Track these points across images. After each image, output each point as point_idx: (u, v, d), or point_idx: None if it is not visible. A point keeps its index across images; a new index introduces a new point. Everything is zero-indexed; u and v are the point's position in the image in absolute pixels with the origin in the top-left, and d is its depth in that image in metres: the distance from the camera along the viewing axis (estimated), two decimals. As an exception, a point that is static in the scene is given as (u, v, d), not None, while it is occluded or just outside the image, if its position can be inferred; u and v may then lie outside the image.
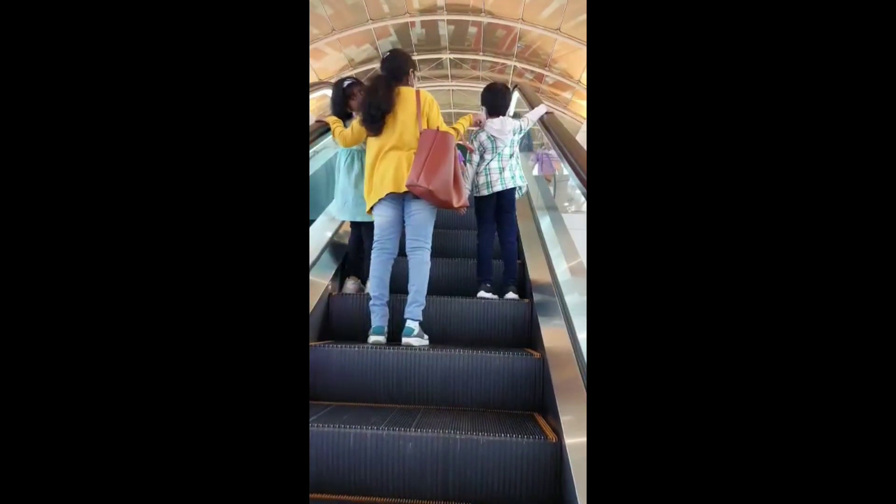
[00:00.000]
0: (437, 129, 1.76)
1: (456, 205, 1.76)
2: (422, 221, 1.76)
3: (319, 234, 2.19)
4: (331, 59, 8.29)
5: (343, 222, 2.32)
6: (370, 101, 1.77)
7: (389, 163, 1.76)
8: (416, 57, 8.79)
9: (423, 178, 1.67)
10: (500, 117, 2.15)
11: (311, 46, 7.45)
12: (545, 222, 2.33)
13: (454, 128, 1.89)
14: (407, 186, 1.70)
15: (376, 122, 1.76)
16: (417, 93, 1.79)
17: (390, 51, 1.93)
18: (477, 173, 2.12)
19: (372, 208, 1.81)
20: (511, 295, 1.98)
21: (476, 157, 2.12)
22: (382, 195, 1.76)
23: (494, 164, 2.09)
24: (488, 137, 2.10)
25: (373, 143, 1.80)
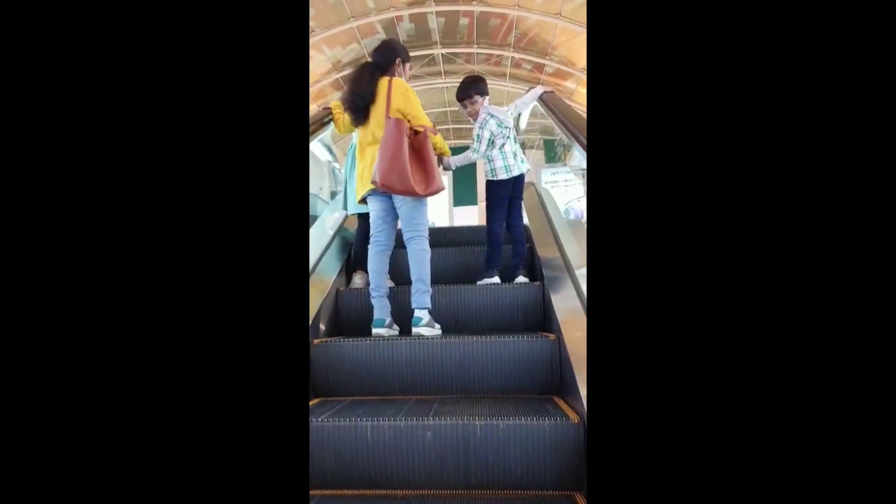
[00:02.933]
0: (388, 117, 1.69)
1: (422, 192, 1.69)
2: (410, 212, 1.74)
3: (325, 229, 2.18)
4: (315, 62, 8.22)
5: (348, 216, 2.32)
6: (354, 90, 1.76)
7: (366, 161, 1.77)
8: (407, 53, 8.75)
9: (377, 173, 1.66)
10: (494, 105, 2.18)
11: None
12: (550, 202, 2.32)
13: (421, 124, 1.74)
14: (372, 184, 1.70)
15: (359, 111, 1.75)
16: (389, 81, 1.75)
17: (382, 41, 1.91)
18: (492, 158, 2.12)
19: (364, 201, 1.82)
20: (521, 279, 1.96)
21: (482, 147, 2.11)
22: (364, 193, 1.78)
23: (508, 149, 2.11)
24: (498, 125, 2.11)
25: (358, 137, 1.81)
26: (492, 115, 2.10)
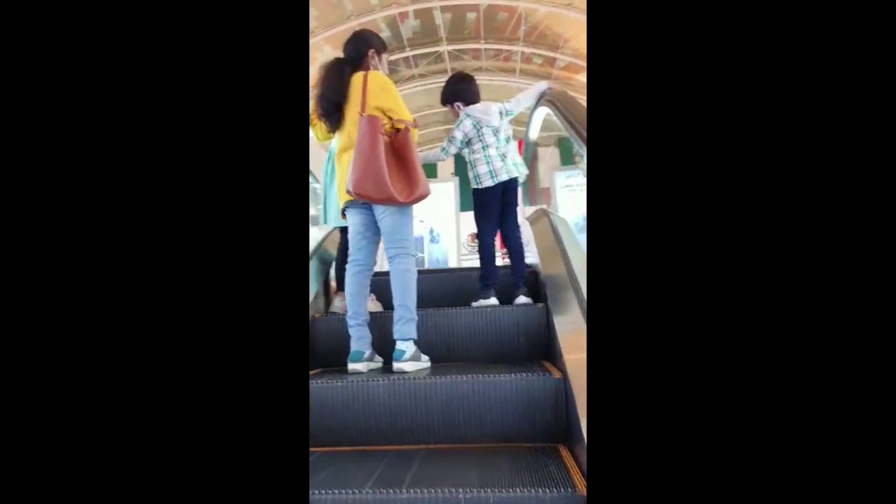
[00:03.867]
0: (361, 114, 1.48)
1: (403, 200, 1.47)
2: (393, 226, 1.52)
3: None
4: (317, 63, 8.04)
5: (330, 232, 2.13)
6: (322, 92, 1.56)
7: (343, 167, 1.56)
8: (411, 52, 8.54)
9: (350, 179, 1.45)
10: (481, 102, 1.97)
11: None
12: (567, 237, 2.09)
13: (401, 119, 1.54)
14: (347, 194, 1.49)
15: (331, 115, 1.55)
16: (364, 76, 1.54)
17: (352, 32, 1.71)
18: (475, 163, 1.91)
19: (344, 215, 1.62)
20: (523, 299, 1.74)
21: (451, 149, 1.93)
22: (342, 204, 1.57)
23: (493, 152, 1.89)
24: (474, 125, 1.90)
25: (336, 143, 1.61)
26: (468, 115, 1.90)
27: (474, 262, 1.98)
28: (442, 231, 4.74)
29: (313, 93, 1.61)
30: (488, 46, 8.79)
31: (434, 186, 1.72)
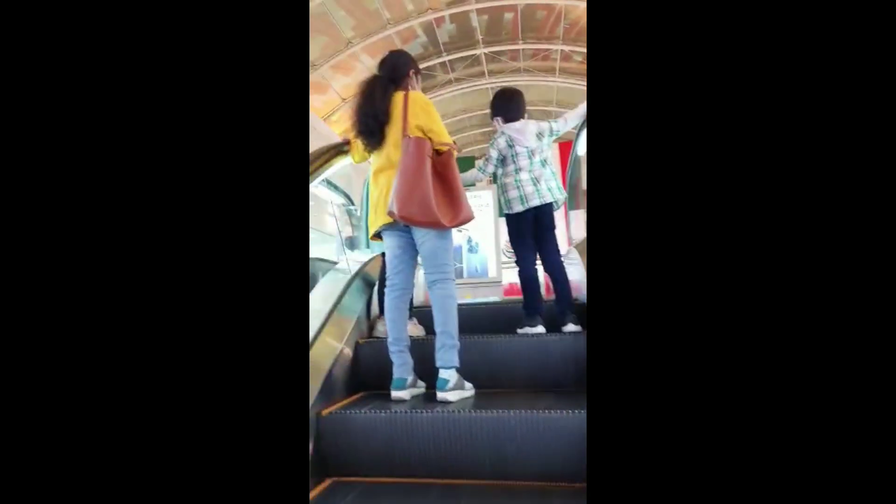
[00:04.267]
0: (406, 136, 1.46)
1: (448, 223, 1.44)
2: (433, 250, 1.49)
3: (343, 270, 2.01)
4: (356, 73, 8.06)
5: (374, 257, 2.15)
6: (365, 109, 1.53)
7: (380, 188, 1.54)
8: (448, 57, 8.55)
9: (394, 202, 1.42)
10: (521, 120, 1.91)
11: (335, 60, 7.37)
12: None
13: (443, 142, 1.51)
14: (389, 216, 1.47)
15: (374, 134, 1.53)
16: (405, 95, 1.52)
17: (389, 52, 1.70)
18: (505, 187, 1.86)
19: (379, 236, 1.60)
20: (571, 327, 1.69)
21: (488, 168, 1.89)
22: (378, 227, 1.54)
23: (525, 176, 1.83)
24: (507, 143, 1.85)
25: (373, 162, 1.60)
26: (503, 133, 1.86)
27: (514, 268, 1.92)
28: (480, 240, 4.71)
29: (350, 108, 1.60)
30: (526, 46, 8.68)
31: (471, 193, 1.71)
